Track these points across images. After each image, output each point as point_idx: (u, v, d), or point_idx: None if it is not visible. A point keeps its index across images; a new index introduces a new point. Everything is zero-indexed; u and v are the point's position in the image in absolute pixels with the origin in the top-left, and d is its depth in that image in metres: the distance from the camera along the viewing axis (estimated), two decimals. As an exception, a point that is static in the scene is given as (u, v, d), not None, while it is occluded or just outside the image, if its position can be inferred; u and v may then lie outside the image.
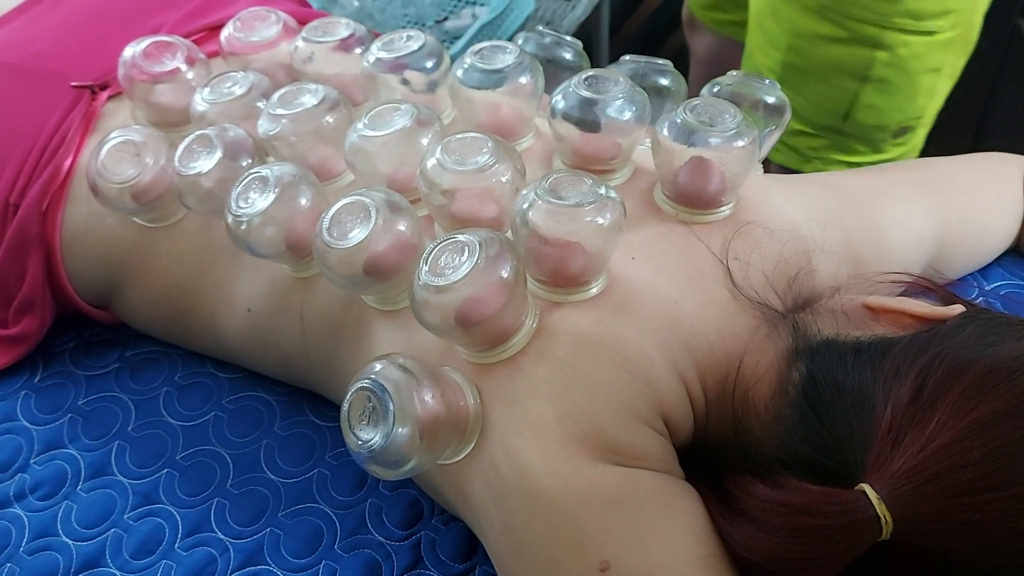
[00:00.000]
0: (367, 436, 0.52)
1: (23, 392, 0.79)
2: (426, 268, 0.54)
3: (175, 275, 0.73)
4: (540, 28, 0.79)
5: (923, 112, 1.08)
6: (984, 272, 0.78)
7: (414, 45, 0.71)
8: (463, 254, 0.53)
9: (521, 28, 1.67)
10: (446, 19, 1.68)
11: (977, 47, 1.57)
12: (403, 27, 1.66)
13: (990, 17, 1.53)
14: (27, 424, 0.77)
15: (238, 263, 0.71)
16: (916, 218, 0.69)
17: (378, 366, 0.53)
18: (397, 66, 0.71)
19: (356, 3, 1.70)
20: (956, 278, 0.76)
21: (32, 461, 0.74)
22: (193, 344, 0.79)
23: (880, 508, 0.47)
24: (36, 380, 0.80)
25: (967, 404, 0.48)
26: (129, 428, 0.76)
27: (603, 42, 1.87)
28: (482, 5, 1.69)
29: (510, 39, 1.61)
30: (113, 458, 0.74)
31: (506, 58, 0.68)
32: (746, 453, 0.56)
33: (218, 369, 0.79)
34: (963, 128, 1.68)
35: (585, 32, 1.77)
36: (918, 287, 0.64)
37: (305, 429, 0.74)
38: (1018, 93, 1.55)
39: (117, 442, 0.75)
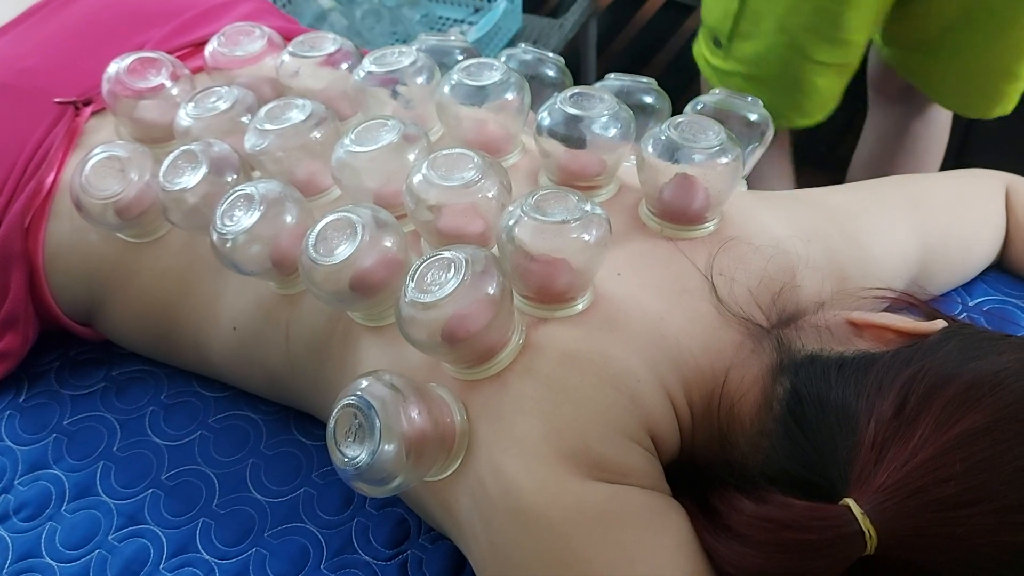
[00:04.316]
0: (353, 453, 0.52)
1: (7, 412, 0.78)
2: (412, 285, 0.54)
3: (159, 292, 0.73)
4: (523, 45, 0.79)
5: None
6: (968, 288, 0.78)
7: (405, 60, 0.72)
8: (449, 271, 0.53)
9: (509, 46, 1.68)
10: (433, 37, 1.69)
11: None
12: (391, 46, 1.68)
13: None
14: (11, 444, 0.76)
15: (223, 280, 0.70)
16: (899, 235, 0.70)
17: (364, 383, 0.53)
18: (387, 80, 0.71)
19: (344, 22, 1.71)
20: (940, 294, 0.77)
21: (16, 482, 0.73)
22: (178, 361, 0.78)
23: (864, 523, 0.47)
24: (21, 400, 0.79)
25: (949, 418, 0.48)
26: (114, 448, 0.75)
27: (590, 60, 1.88)
28: (470, 24, 1.70)
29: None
30: (98, 478, 0.73)
31: (493, 75, 0.69)
32: (732, 468, 0.56)
33: (204, 388, 0.79)
34: (948, 144, 1.70)
35: (572, 50, 1.78)
36: (902, 303, 0.64)
37: (291, 448, 0.74)
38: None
39: (102, 462, 0.74)
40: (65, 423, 0.77)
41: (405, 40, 1.68)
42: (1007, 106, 1.31)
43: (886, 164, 1.47)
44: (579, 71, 1.88)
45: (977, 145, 1.64)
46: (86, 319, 0.79)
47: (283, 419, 0.76)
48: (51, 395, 0.80)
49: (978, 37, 1.24)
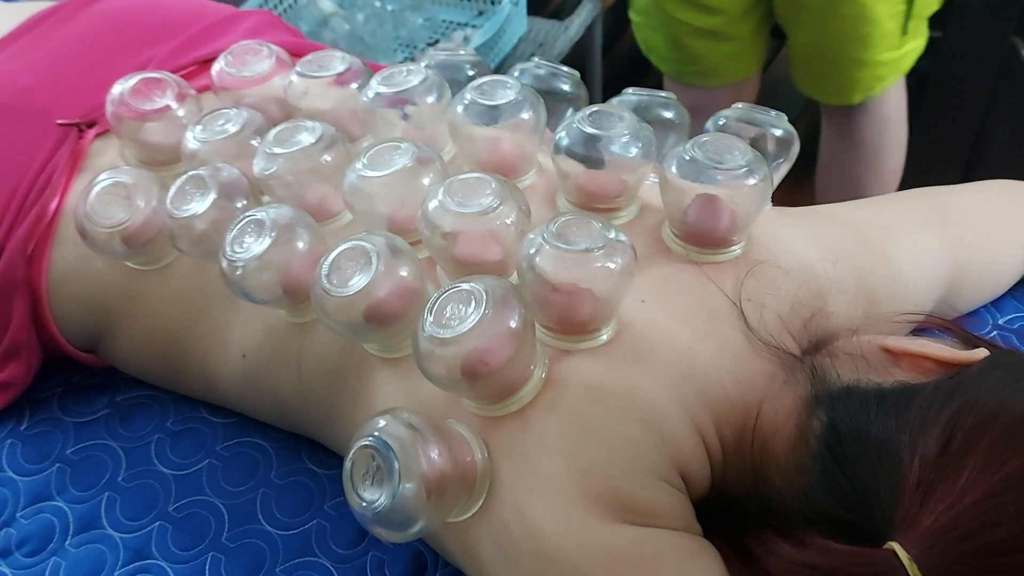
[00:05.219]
0: (371, 496, 0.49)
1: (9, 441, 0.76)
2: (430, 319, 0.52)
3: (166, 319, 0.71)
4: (536, 59, 0.77)
5: None
6: (997, 305, 0.76)
7: (414, 79, 0.69)
8: (469, 304, 0.51)
9: (514, 50, 1.66)
10: (437, 41, 1.67)
11: (971, 66, 1.57)
12: (394, 50, 1.65)
13: (985, 36, 1.53)
14: (13, 475, 0.74)
15: (232, 307, 0.68)
16: (928, 251, 0.68)
17: (382, 422, 0.51)
18: (397, 101, 0.69)
19: (347, 26, 1.68)
20: (968, 311, 0.75)
21: (18, 515, 0.71)
22: (186, 389, 0.76)
23: (911, 569, 0.45)
24: (22, 428, 0.77)
25: (999, 457, 0.46)
26: (119, 478, 0.73)
27: (596, 62, 1.86)
28: (474, 27, 1.68)
29: (500, 65, 1.61)
30: (103, 510, 0.71)
31: (507, 93, 0.66)
32: (766, 507, 0.54)
33: (212, 414, 0.77)
34: (958, 147, 1.68)
35: (578, 52, 1.76)
36: (936, 326, 0.62)
37: (303, 477, 0.72)
38: (1014, 113, 1.55)
39: (107, 493, 0.72)
40: (68, 452, 0.75)
41: (409, 44, 1.66)
42: (868, 91, 1.35)
43: (840, 163, 1.50)
44: (585, 73, 1.86)
45: (989, 151, 1.62)
46: (90, 346, 0.76)
47: (294, 446, 0.74)
48: (54, 422, 0.77)
49: (813, 20, 1.29)
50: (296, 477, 0.72)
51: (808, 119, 1.79)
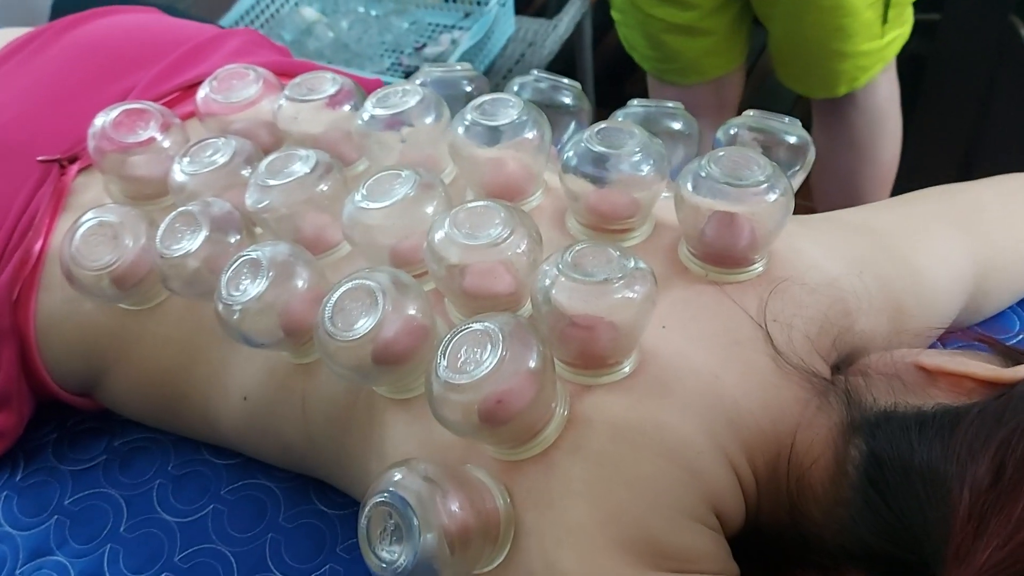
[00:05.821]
0: (391, 556, 0.46)
1: (4, 493, 0.73)
2: (444, 363, 0.48)
3: (162, 361, 0.68)
4: (536, 72, 0.74)
5: None
6: (1024, 305, 0.73)
7: (411, 100, 0.66)
8: (484, 346, 0.48)
9: (503, 50, 1.62)
10: (424, 46, 1.63)
11: (970, 48, 1.54)
12: (380, 55, 1.62)
13: (984, 16, 1.50)
14: (10, 530, 0.70)
15: (230, 346, 0.65)
16: (952, 253, 0.65)
17: (397, 475, 0.48)
18: (393, 123, 0.66)
19: (331, 34, 1.65)
20: (994, 314, 0.72)
21: (18, 572, 0.68)
22: (186, 431, 0.73)
23: (968, 610, 0.42)
24: (17, 479, 0.74)
25: None
26: (121, 528, 0.70)
27: (587, 59, 1.83)
28: (461, 29, 1.64)
29: (490, 67, 1.57)
30: (106, 564, 0.68)
31: (510, 112, 0.63)
32: (805, 542, 0.51)
33: (214, 455, 0.74)
34: (958, 131, 1.65)
35: (568, 50, 1.73)
36: (971, 339, 0.59)
37: (312, 519, 0.69)
38: (1015, 94, 1.52)
39: (109, 545, 0.69)
40: (66, 503, 0.72)
41: (395, 49, 1.63)
42: (852, 83, 1.33)
43: (834, 156, 1.48)
44: (576, 70, 1.83)
45: (990, 133, 1.59)
46: (84, 390, 0.73)
47: (301, 486, 0.71)
48: (50, 471, 0.74)
49: (789, 14, 1.27)
50: (305, 519, 0.69)
51: (800, 113, 1.76)
